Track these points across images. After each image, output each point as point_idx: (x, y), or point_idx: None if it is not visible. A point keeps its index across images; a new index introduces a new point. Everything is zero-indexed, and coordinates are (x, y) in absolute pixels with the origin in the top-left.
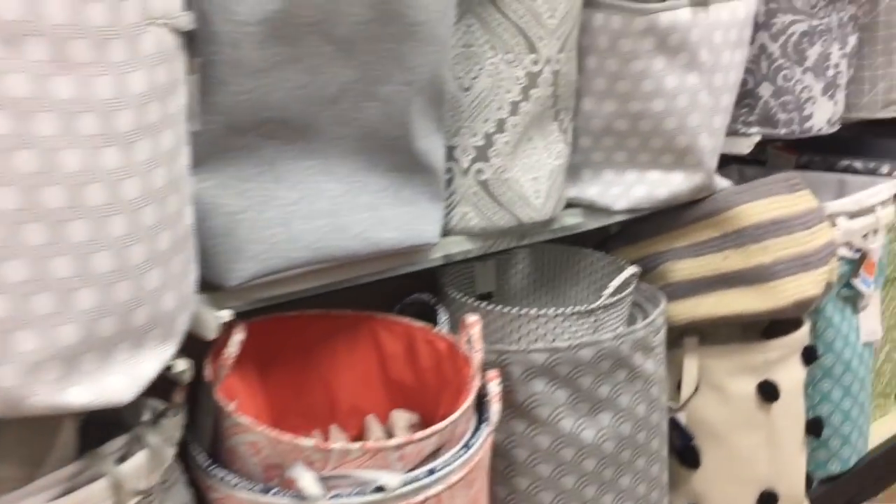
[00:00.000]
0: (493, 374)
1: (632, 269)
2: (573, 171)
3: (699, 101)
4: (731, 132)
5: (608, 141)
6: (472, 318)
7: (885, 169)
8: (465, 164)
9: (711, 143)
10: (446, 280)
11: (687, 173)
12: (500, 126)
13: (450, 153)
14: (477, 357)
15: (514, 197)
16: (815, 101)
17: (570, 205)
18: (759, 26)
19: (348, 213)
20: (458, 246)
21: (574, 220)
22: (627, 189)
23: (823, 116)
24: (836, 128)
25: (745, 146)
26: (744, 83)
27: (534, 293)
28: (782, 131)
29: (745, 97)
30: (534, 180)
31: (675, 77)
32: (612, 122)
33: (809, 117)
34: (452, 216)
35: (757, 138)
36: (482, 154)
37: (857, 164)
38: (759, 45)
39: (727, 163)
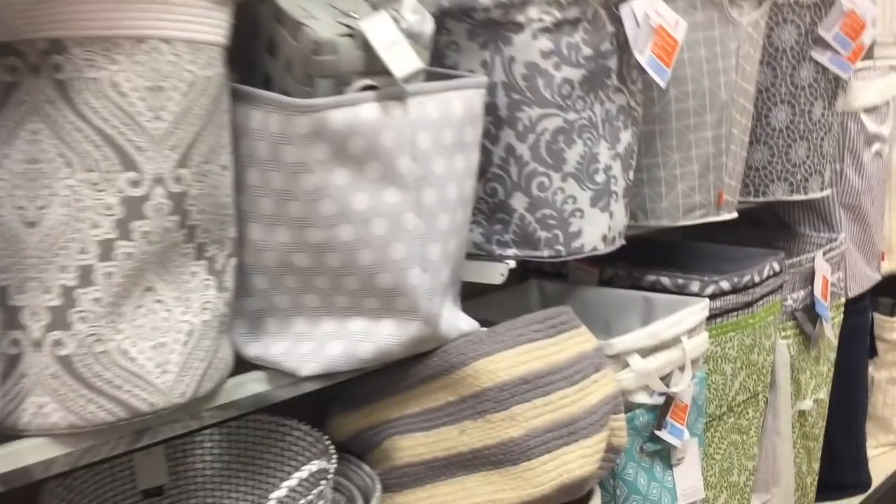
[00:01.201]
0: None
1: (315, 466)
2: (254, 320)
3: (404, 226)
4: (487, 254)
5: (290, 281)
6: None
7: (695, 286)
8: (36, 334)
9: (429, 279)
10: (53, 487)
11: (399, 321)
12: (86, 276)
13: (13, 319)
14: None
15: (121, 376)
16: (582, 213)
17: (256, 366)
18: (502, 122)
19: None
20: (34, 455)
21: (251, 391)
22: (321, 345)
23: (596, 232)
24: (616, 245)
25: (497, 274)
26: (493, 193)
27: (229, 480)
28: (545, 253)
29: (498, 210)
30: (156, 349)
31: (365, 195)
32: (289, 256)
33: (578, 234)
34: (22, 411)
35: (512, 263)
36: (60, 318)
37: (666, 281)
38: (505, 146)
39: (526, 277)
